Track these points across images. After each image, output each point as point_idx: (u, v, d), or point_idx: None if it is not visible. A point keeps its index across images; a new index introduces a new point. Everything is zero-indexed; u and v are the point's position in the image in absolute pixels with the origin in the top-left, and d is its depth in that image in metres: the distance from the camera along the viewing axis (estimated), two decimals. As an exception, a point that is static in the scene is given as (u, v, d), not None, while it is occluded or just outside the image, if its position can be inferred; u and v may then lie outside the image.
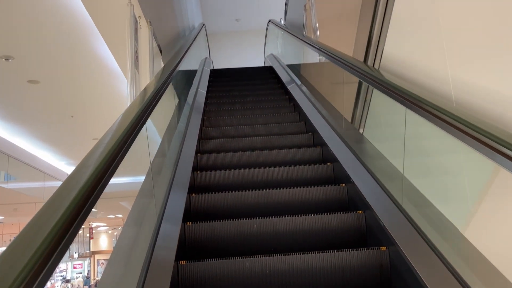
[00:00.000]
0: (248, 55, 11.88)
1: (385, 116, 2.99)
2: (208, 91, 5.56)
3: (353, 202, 2.61)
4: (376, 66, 3.65)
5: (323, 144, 3.39)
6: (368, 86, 3.16)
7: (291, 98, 5.01)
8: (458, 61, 2.25)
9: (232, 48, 12.24)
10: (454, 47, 2.29)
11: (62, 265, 15.39)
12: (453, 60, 2.27)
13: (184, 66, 4.45)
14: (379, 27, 3.67)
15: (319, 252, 2.08)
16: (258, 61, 10.75)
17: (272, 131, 4.03)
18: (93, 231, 17.14)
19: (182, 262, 2.08)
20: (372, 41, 3.88)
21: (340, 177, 2.92)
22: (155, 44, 4.95)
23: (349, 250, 2.09)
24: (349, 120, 3.51)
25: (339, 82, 3.60)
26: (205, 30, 8.39)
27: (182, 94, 4.30)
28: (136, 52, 4.00)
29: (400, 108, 2.16)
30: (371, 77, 2.57)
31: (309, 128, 3.97)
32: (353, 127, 3.38)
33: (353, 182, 2.56)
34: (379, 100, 2.92)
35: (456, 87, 2.18)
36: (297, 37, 5.21)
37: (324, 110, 3.77)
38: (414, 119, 2.01)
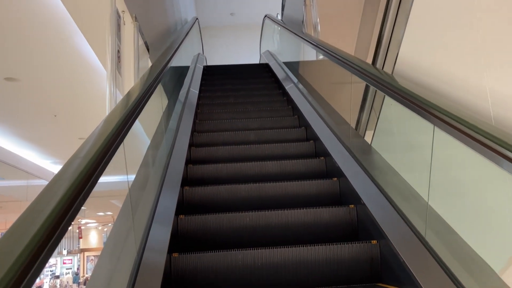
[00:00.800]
0: (243, 51, 11.75)
1: (402, 130, 2.57)
2: (201, 90, 5.35)
3: (345, 196, 2.64)
4: (386, 70, 3.35)
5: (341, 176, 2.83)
6: (376, 91, 2.93)
7: (287, 96, 4.88)
8: (499, 71, 1.90)
9: (226, 44, 12.08)
10: (495, 53, 1.93)
11: (51, 260, 15.19)
12: (493, 69, 1.90)
13: (176, 63, 4.19)
14: (391, 26, 3.35)
15: (310, 245, 2.10)
16: (253, 57, 10.62)
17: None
18: (82, 227, 16.94)
19: (175, 255, 2.09)
20: (383, 41, 3.59)
21: (332, 171, 2.94)
22: (141, 42, 4.57)
23: (340, 244, 2.11)
24: (354, 125, 3.36)
25: (344, 82, 3.27)
26: (199, 24, 8.29)
27: (173, 94, 4.08)
28: (119, 51, 3.66)
29: (422, 122, 1.82)
30: (388, 86, 2.19)
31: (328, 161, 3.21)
32: (349, 125, 3.24)
33: (346, 177, 2.58)
34: (395, 111, 2.51)
35: (496, 103, 1.84)
36: (297, 35, 4.93)
37: (332, 120, 3.38)
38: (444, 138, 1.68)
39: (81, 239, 15.96)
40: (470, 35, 2.08)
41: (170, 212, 2.27)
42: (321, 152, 3.25)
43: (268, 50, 7.94)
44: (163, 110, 3.31)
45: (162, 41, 5.65)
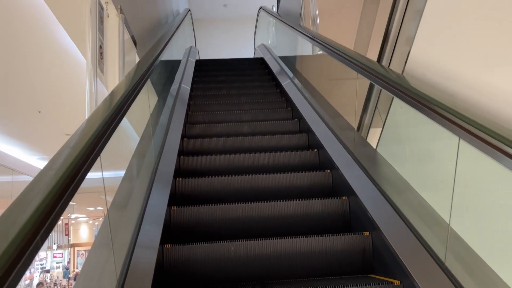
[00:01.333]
0: (236, 44, 11.56)
1: (414, 135, 2.31)
2: (193, 83, 5.15)
3: (338, 188, 2.64)
4: (394, 68, 3.08)
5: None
6: (381, 90, 2.71)
7: (285, 96, 4.50)
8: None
9: (220, 37, 11.88)
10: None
11: (41, 253, 14.93)
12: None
13: (167, 56, 3.98)
14: (400, 20, 3.11)
15: (303, 237, 2.10)
16: (247, 50, 10.47)
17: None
18: (73, 221, 16.70)
19: (167, 246, 2.08)
20: (390, 37, 3.36)
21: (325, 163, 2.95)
22: (127, 36, 4.15)
23: (333, 235, 2.12)
24: (357, 125, 3.16)
25: (347, 79, 3.04)
26: (191, 16, 8.19)
27: (163, 91, 3.84)
28: (101, 47, 3.32)
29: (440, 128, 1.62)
30: (404, 91, 1.94)
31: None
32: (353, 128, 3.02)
33: (338, 168, 2.58)
34: (406, 114, 2.28)
35: None
36: (295, 29, 4.59)
37: (338, 124, 3.09)
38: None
39: (68, 236, 15.63)
40: (500, 31, 1.83)
41: (163, 203, 2.25)
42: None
43: (263, 44, 7.74)
44: (152, 109, 3.10)
45: (151, 34, 5.33)
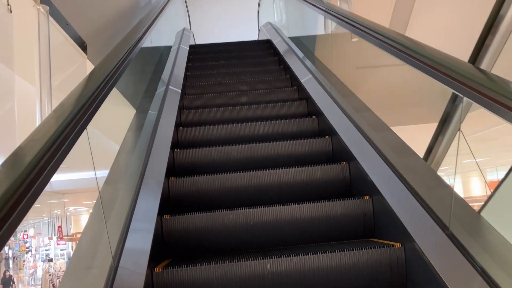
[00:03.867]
0: (238, 24, 10.36)
1: None
2: (186, 77, 4.06)
3: (338, 154, 2.60)
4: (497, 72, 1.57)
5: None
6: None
7: (302, 90, 3.48)
8: None
9: (218, 15, 10.75)
10: None
11: (45, 240, 14.69)
12: None
13: (148, 43, 2.99)
14: None
15: (303, 203, 2.08)
16: (251, 30, 9.31)
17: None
18: (73, 212, 16.43)
19: (166, 216, 2.07)
20: (503, 22, 2.30)
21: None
22: (64, 39, 2.74)
23: (333, 200, 2.09)
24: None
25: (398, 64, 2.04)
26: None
27: (145, 95, 3.04)
28: None
29: None
30: None
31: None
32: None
33: (338, 134, 2.53)
34: None
35: None
36: (317, 7, 3.43)
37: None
38: None
39: (61, 239, 14.88)
40: None
41: (160, 175, 2.22)
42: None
43: (269, 23, 6.29)
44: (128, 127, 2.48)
45: (122, 24, 3.78)
